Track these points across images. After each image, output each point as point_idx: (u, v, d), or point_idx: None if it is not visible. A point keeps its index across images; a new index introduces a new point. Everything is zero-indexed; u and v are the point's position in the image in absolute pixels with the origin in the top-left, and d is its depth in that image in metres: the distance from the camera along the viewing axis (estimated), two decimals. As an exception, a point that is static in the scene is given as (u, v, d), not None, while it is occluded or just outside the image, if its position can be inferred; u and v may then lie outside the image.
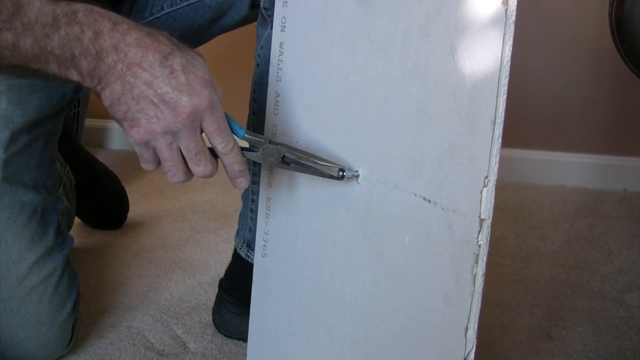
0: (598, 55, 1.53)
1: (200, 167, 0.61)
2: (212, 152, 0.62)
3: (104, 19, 0.56)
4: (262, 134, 0.74)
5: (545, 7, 1.52)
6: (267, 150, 0.65)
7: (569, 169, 1.60)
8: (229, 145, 0.61)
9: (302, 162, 0.66)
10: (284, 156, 0.66)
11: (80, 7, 0.57)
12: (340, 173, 0.65)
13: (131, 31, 0.57)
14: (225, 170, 0.64)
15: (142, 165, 0.62)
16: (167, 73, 0.56)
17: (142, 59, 0.56)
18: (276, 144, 0.66)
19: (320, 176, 0.66)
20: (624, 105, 1.56)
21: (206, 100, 0.58)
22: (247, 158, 0.65)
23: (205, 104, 0.58)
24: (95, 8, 0.57)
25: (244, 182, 0.64)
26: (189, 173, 0.62)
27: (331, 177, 0.65)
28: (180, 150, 0.60)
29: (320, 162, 0.65)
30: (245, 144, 0.66)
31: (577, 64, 1.56)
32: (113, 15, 0.57)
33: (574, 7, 1.53)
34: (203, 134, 0.61)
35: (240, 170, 0.63)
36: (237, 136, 0.63)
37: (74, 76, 0.57)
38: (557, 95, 1.59)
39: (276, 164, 0.66)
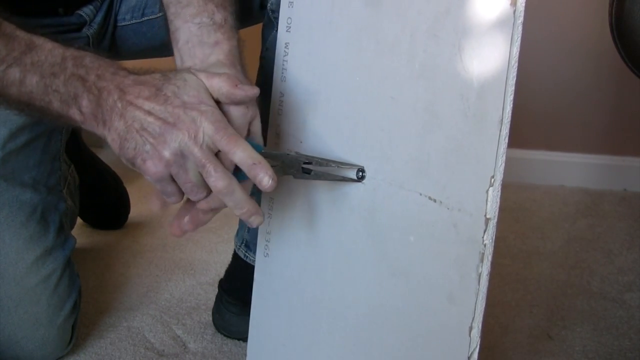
0: (598, 55, 1.53)
1: (212, 178, 0.59)
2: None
3: (109, 65, 0.60)
4: (266, 134, 0.74)
5: (544, 7, 1.52)
6: (287, 163, 0.65)
7: (569, 169, 1.60)
8: (234, 138, 0.58)
9: (323, 168, 0.65)
10: (303, 166, 0.65)
11: (88, 53, 0.61)
12: (360, 174, 0.65)
13: (129, 75, 0.60)
14: (247, 173, 0.60)
15: (167, 199, 0.63)
16: (162, 101, 0.58)
17: (139, 94, 0.58)
18: (294, 154, 0.66)
19: (340, 181, 0.66)
20: (624, 105, 1.56)
21: (203, 109, 0.58)
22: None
23: (203, 113, 0.58)
24: (102, 56, 0.61)
25: (272, 183, 0.59)
26: (209, 190, 0.61)
27: (351, 180, 0.65)
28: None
29: (340, 166, 0.65)
30: None
31: (577, 63, 1.56)
32: (117, 63, 0.61)
33: (573, 7, 1.53)
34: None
35: (264, 168, 0.59)
36: None
37: (76, 115, 0.60)
38: (557, 95, 1.59)
39: (297, 175, 0.65)
